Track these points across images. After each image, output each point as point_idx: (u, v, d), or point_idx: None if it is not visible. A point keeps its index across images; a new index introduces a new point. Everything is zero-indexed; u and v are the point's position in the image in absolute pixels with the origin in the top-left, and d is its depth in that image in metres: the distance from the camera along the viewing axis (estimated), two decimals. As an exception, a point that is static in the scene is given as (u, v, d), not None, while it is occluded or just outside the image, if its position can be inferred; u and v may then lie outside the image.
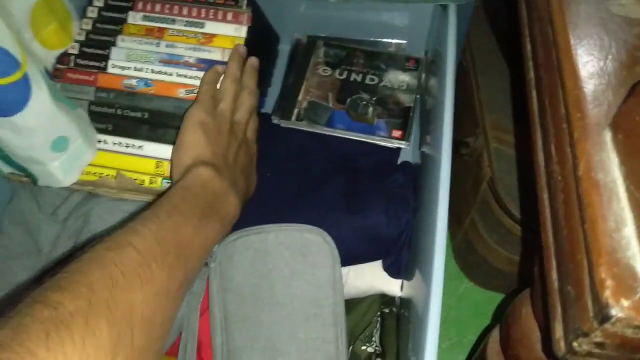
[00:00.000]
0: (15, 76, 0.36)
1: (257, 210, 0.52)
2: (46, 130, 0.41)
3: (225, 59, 0.52)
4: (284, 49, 0.69)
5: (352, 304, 0.54)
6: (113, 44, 0.52)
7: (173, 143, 0.47)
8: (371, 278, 0.54)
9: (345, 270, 0.52)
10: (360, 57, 0.65)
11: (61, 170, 0.45)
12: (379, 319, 0.54)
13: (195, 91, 0.50)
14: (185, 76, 0.51)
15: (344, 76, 0.63)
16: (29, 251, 0.48)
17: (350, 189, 0.54)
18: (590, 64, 0.29)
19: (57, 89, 0.46)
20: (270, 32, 0.65)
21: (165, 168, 0.48)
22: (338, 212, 0.51)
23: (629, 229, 0.21)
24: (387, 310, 0.55)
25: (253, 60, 0.52)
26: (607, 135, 0.25)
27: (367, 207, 0.51)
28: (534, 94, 0.34)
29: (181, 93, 0.50)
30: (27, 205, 0.49)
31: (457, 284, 0.82)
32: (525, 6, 0.39)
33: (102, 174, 0.48)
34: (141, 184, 0.48)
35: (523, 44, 0.38)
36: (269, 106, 0.64)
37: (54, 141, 0.42)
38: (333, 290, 0.48)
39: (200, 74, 0.51)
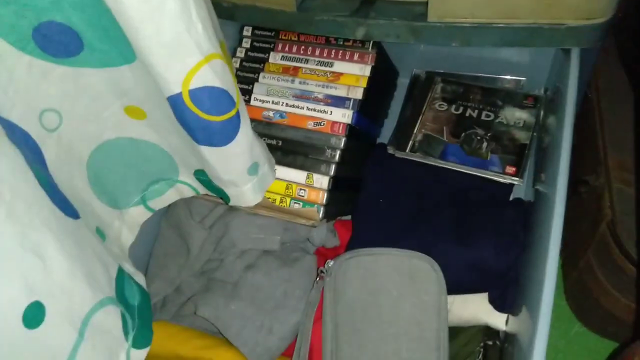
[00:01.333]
0: (232, 113, 0.43)
1: (371, 234, 0.57)
2: (246, 157, 0.49)
3: (350, 95, 0.58)
4: (403, 82, 0.73)
5: (455, 332, 0.56)
6: (256, 80, 0.61)
7: (301, 168, 0.54)
8: (476, 309, 0.55)
9: (451, 298, 0.54)
10: (477, 93, 0.67)
11: (252, 191, 0.52)
12: (481, 350, 0.55)
13: (323, 123, 0.56)
14: (315, 110, 0.58)
15: (460, 111, 0.66)
16: (180, 251, 0.57)
17: (461, 221, 0.56)
18: None
19: None
20: (391, 68, 0.70)
21: (294, 190, 0.55)
22: (448, 242, 0.54)
23: None
24: (490, 343, 0.55)
25: None
26: None
27: (476, 240, 0.53)
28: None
29: (310, 125, 0.57)
30: (182, 212, 0.58)
31: (568, 327, 0.79)
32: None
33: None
34: (273, 202, 0.55)
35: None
36: (385, 137, 0.69)
37: (250, 167, 0.50)
38: (438, 316, 0.50)
39: (328, 108, 0.57)
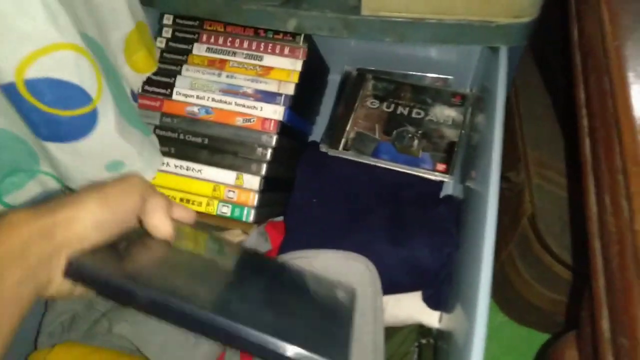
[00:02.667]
0: (85, 110, 0.39)
1: (304, 235, 0.54)
2: (102, 155, 0.44)
3: (281, 91, 0.55)
4: (334, 79, 0.72)
5: (390, 332, 0.55)
6: (178, 72, 0.56)
7: (230, 168, 0.50)
8: (410, 308, 0.55)
9: (386, 298, 0.53)
10: (408, 91, 0.67)
11: None
12: (416, 349, 0.55)
13: (253, 120, 0.53)
14: (244, 105, 0.54)
15: (391, 109, 0.65)
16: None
17: (395, 220, 0.55)
18: (646, 118, 0.30)
19: (137, 115, 0.49)
20: (322, 64, 0.68)
21: (222, 192, 0.51)
22: (382, 242, 0.53)
23: (687, 287, 0.22)
24: (424, 341, 0.55)
25: None
26: (664, 191, 0.26)
27: (411, 239, 0.53)
28: (587, 142, 0.35)
29: (239, 121, 0.53)
30: None
31: (491, 317, 0.81)
32: (580, 54, 0.40)
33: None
34: (199, 206, 0.50)
35: (576, 91, 0.39)
36: (317, 135, 0.67)
37: (109, 164, 0.45)
38: (373, 318, 0.49)
39: (258, 104, 0.54)
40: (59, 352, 0.45)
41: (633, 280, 0.23)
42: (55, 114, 0.38)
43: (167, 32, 0.59)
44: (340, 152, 0.62)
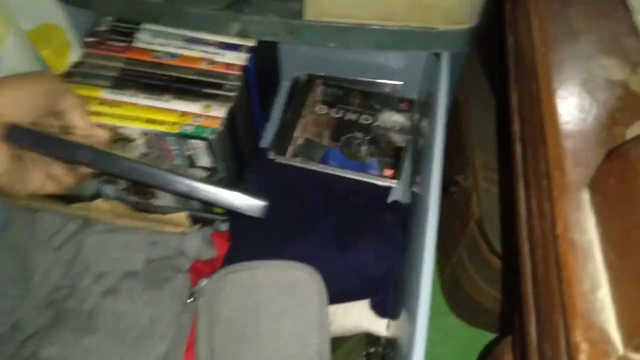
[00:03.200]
0: None
1: (252, 245, 0.53)
2: None
3: (244, 43, 0.56)
4: (283, 85, 0.71)
5: (337, 343, 0.54)
6: (138, 28, 0.57)
7: (198, 101, 0.51)
8: (358, 317, 0.54)
9: (333, 308, 0.52)
10: (357, 97, 0.67)
11: None
12: (364, 359, 0.54)
13: (217, 63, 0.54)
14: (207, 52, 0.55)
15: (340, 115, 0.65)
16: (18, 279, 0.48)
17: (342, 226, 0.54)
18: (571, 123, 0.31)
19: None
20: (276, 63, 0.67)
21: (189, 118, 0.50)
22: (330, 249, 0.52)
23: (604, 291, 0.22)
24: (372, 350, 0.55)
25: None
26: (585, 195, 0.27)
27: (357, 245, 0.52)
28: (518, 146, 0.35)
29: (204, 64, 0.54)
30: (21, 232, 0.49)
31: (444, 320, 0.83)
32: (513, 59, 0.41)
33: (127, 116, 0.50)
34: (157, 128, 0.49)
35: (510, 95, 0.39)
36: (266, 141, 0.66)
37: None
38: (319, 329, 0.48)
39: (221, 51, 0.55)
40: None
41: (554, 285, 0.23)
42: None
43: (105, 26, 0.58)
44: (288, 159, 0.61)
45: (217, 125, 0.50)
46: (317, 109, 0.66)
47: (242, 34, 0.53)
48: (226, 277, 0.49)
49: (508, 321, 0.71)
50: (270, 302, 0.48)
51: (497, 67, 0.75)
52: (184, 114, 0.51)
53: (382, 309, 0.53)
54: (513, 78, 0.39)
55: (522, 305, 0.28)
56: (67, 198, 0.51)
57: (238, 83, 0.53)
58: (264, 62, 0.60)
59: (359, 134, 0.63)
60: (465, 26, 0.49)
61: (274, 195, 0.58)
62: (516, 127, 0.36)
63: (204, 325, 0.47)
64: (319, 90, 0.68)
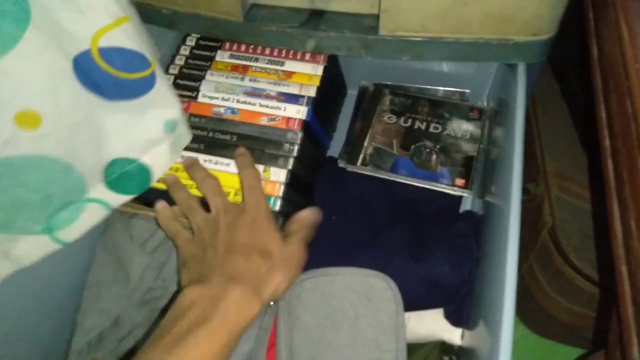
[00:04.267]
0: (146, 72, 0.44)
1: (324, 252, 0.55)
2: (162, 111, 0.48)
3: (303, 93, 0.57)
4: (351, 94, 0.72)
5: (411, 350, 0.55)
6: (203, 77, 0.59)
7: (257, 162, 0.53)
8: (432, 325, 0.55)
9: (407, 315, 0.53)
10: (425, 105, 0.67)
11: (170, 149, 0.51)
12: (438, 366, 0.55)
13: (277, 119, 0.55)
14: (267, 106, 0.56)
15: (409, 124, 0.66)
16: (118, 280, 0.52)
17: (414, 236, 0.55)
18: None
19: None
20: (340, 74, 0.68)
21: None
22: (402, 258, 0.53)
23: None
24: (446, 358, 0.55)
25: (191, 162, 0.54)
26: (691, 218, 0.26)
27: (430, 255, 0.53)
28: (609, 163, 0.35)
29: (264, 120, 0.56)
30: (120, 236, 0.53)
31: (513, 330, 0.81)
32: (600, 73, 0.40)
33: (191, 184, 0.53)
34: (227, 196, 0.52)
35: (597, 111, 0.39)
36: (334, 151, 0.67)
37: (166, 122, 0.49)
38: (395, 336, 0.49)
39: (281, 104, 0.56)
40: None
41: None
42: (123, 77, 0.43)
43: (191, 41, 0.62)
44: (358, 168, 0.62)
45: (278, 192, 0.52)
46: (385, 118, 0.67)
47: (318, 50, 0.55)
48: (304, 282, 0.51)
49: (584, 333, 0.69)
50: (347, 308, 0.49)
51: (569, 71, 0.73)
52: None
53: (457, 319, 0.54)
54: (600, 92, 0.39)
55: (622, 327, 0.27)
56: (151, 202, 0.55)
57: (297, 143, 0.54)
58: (328, 90, 0.61)
59: (428, 143, 0.64)
60: (543, 37, 0.49)
61: (346, 204, 0.60)
62: (606, 143, 0.35)
63: (284, 328, 0.50)
64: (386, 100, 0.69)
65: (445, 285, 0.52)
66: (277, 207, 0.52)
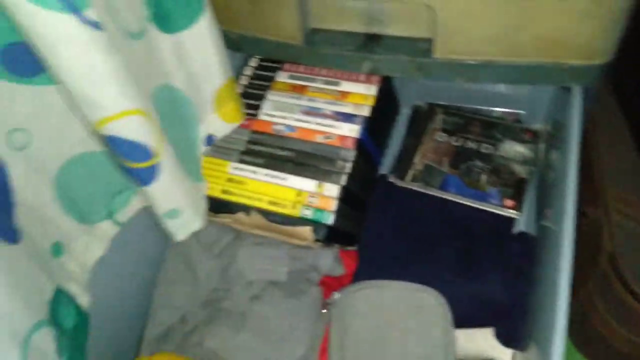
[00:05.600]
0: (147, 164, 0.45)
1: (375, 266, 0.57)
2: (162, 203, 0.51)
3: (357, 113, 0.60)
4: (404, 113, 0.74)
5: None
6: (264, 97, 0.64)
7: (312, 178, 0.57)
8: (482, 343, 0.55)
9: (457, 332, 0.53)
10: (477, 125, 0.68)
11: (173, 231, 0.54)
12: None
13: (332, 137, 0.59)
14: (323, 124, 0.60)
15: (460, 143, 0.67)
16: (187, 280, 0.57)
17: (466, 253, 0.56)
18: None
19: (198, 161, 0.56)
20: (393, 94, 0.71)
21: (304, 197, 0.56)
22: (453, 274, 0.54)
23: None
24: (495, 378, 0.55)
25: None
26: None
27: (483, 274, 0.53)
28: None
29: (319, 138, 0.59)
30: (189, 240, 0.58)
31: (569, 358, 0.78)
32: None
33: (251, 196, 0.57)
34: (279, 211, 0.56)
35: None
36: (385, 167, 0.69)
37: (167, 212, 0.52)
38: (445, 351, 0.50)
39: (336, 123, 0.60)
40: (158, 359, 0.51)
41: None
42: (125, 163, 0.45)
43: (253, 62, 0.67)
44: (407, 183, 0.64)
45: (331, 207, 0.55)
46: (436, 137, 0.68)
47: (374, 71, 0.57)
48: (357, 293, 0.53)
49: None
50: (398, 321, 0.51)
51: (633, 95, 0.71)
52: (299, 193, 0.56)
53: (507, 339, 0.53)
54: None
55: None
56: (214, 208, 0.59)
57: (350, 160, 0.57)
58: (382, 110, 0.64)
59: (479, 163, 0.64)
60: (600, 61, 0.49)
61: (397, 219, 0.62)
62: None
63: (336, 335, 0.52)
64: (439, 119, 0.70)
65: (497, 304, 0.52)
66: (330, 221, 0.54)
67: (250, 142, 0.61)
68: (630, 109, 0.72)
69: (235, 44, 0.61)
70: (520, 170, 0.63)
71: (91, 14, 0.35)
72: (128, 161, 0.44)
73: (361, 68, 0.57)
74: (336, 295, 0.53)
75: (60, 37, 0.34)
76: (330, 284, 0.58)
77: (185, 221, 0.54)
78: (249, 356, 0.51)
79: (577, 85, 0.52)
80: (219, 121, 0.59)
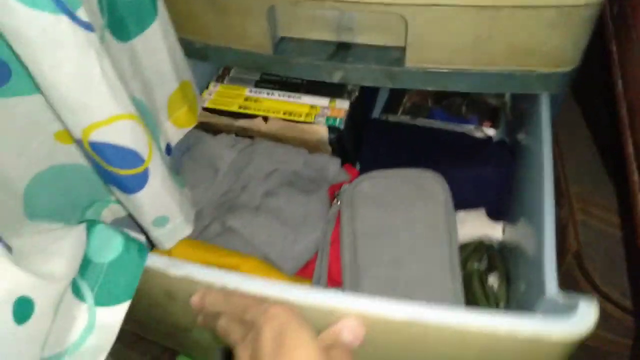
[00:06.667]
0: (138, 170, 0.44)
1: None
2: (151, 210, 0.48)
3: None
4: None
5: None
6: None
7: (325, 95, 0.63)
8: (472, 224, 0.59)
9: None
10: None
11: (160, 240, 0.52)
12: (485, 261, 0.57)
13: None
14: None
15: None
16: (208, 175, 0.61)
17: (456, 156, 0.62)
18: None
19: (176, 175, 0.54)
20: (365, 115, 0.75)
21: (318, 109, 0.62)
22: (447, 166, 0.58)
23: None
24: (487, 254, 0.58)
25: None
26: None
27: (473, 161, 0.60)
28: (639, 197, 0.36)
29: None
30: (211, 141, 0.63)
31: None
32: (626, 107, 0.41)
33: (268, 110, 0.62)
34: (294, 119, 0.61)
35: (624, 146, 0.40)
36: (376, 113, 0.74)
37: (155, 219, 0.49)
38: (446, 216, 0.53)
39: None
40: (179, 248, 0.52)
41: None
42: (114, 171, 0.42)
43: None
44: (398, 117, 0.70)
45: (342, 115, 0.60)
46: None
47: (345, 80, 0.57)
48: (364, 181, 0.57)
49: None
50: (404, 203, 0.54)
51: (594, 98, 0.74)
52: (313, 106, 0.61)
53: (497, 214, 0.59)
54: (627, 126, 0.39)
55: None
56: (234, 114, 0.63)
57: (357, 89, 0.64)
58: None
59: (459, 98, 0.71)
60: (567, 69, 0.50)
61: (391, 142, 0.66)
62: (635, 178, 0.36)
63: (347, 217, 0.54)
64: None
65: (489, 182, 0.59)
66: (342, 125, 0.59)
67: (265, 73, 0.66)
68: (588, 109, 0.75)
69: (200, 53, 0.58)
70: (493, 101, 0.70)
71: (82, 14, 0.33)
72: (117, 169, 0.42)
73: (332, 77, 0.56)
74: (344, 187, 0.57)
75: (53, 39, 0.32)
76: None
77: (175, 227, 0.52)
78: (269, 233, 0.54)
79: (545, 91, 0.52)
80: (172, 128, 0.58)
